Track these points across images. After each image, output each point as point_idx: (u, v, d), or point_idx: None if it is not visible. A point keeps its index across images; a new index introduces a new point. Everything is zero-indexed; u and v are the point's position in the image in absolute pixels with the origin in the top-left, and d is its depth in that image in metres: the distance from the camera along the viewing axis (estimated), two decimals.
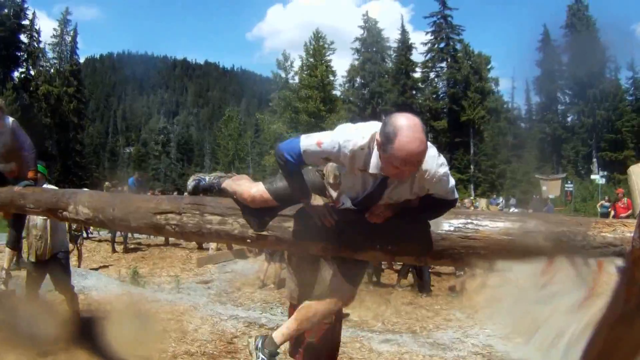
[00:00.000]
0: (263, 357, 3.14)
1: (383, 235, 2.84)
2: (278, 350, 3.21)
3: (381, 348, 6.94)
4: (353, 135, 2.59)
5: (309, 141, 2.66)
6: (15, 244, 6.86)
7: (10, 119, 5.67)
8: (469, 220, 2.71)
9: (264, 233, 3.11)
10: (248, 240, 3.25)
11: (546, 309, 2.39)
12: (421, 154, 2.41)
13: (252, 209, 3.13)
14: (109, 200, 4.17)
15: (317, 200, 2.96)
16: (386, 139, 2.38)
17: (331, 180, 3.05)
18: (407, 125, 2.36)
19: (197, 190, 3.45)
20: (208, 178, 3.47)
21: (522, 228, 2.61)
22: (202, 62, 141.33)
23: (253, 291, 9.94)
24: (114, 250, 15.17)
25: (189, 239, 9.56)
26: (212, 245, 14.25)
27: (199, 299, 9.20)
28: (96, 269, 12.04)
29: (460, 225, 2.70)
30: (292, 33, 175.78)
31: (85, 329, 6.77)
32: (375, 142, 2.53)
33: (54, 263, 6.53)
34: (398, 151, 2.35)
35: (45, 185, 6.19)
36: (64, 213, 4.46)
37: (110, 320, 7.35)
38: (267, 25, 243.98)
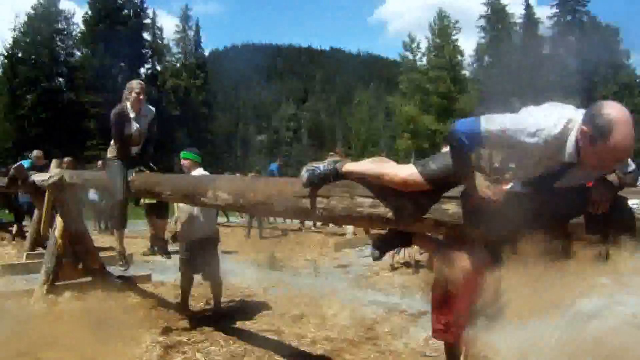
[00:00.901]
0: None
1: (553, 217, 2.55)
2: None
3: None
4: (544, 123, 2.33)
5: (491, 126, 2.40)
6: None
7: (153, 108, 6.06)
8: None
9: (422, 216, 2.85)
10: (403, 224, 3.02)
11: None
12: (632, 149, 2.26)
13: (398, 192, 2.89)
14: (249, 184, 4.10)
15: (479, 181, 2.62)
16: (599, 133, 2.17)
17: (497, 165, 2.71)
18: (623, 120, 2.16)
19: (314, 181, 3.22)
20: (323, 166, 3.24)
21: None
22: (327, 48, 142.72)
23: (392, 275, 9.67)
24: (249, 236, 15.34)
25: (338, 223, 9.41)
26: (350, 228, 14.11)
27: (338, 283, 9.05)
28: (230, 253, 12.17)
29: (634, 206, 2.41)
30: (415, 14, 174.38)
31: (226, 315, 6.82)
32: (569, 130, 2.31)
33: (201, 247, 6.57)
34: (613, 148, 2.17)
35: (196, 171, 6.54)
36: (202, 199, 4.44)
37: (249, 305, 7.39)
38: (388, 8, 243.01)
